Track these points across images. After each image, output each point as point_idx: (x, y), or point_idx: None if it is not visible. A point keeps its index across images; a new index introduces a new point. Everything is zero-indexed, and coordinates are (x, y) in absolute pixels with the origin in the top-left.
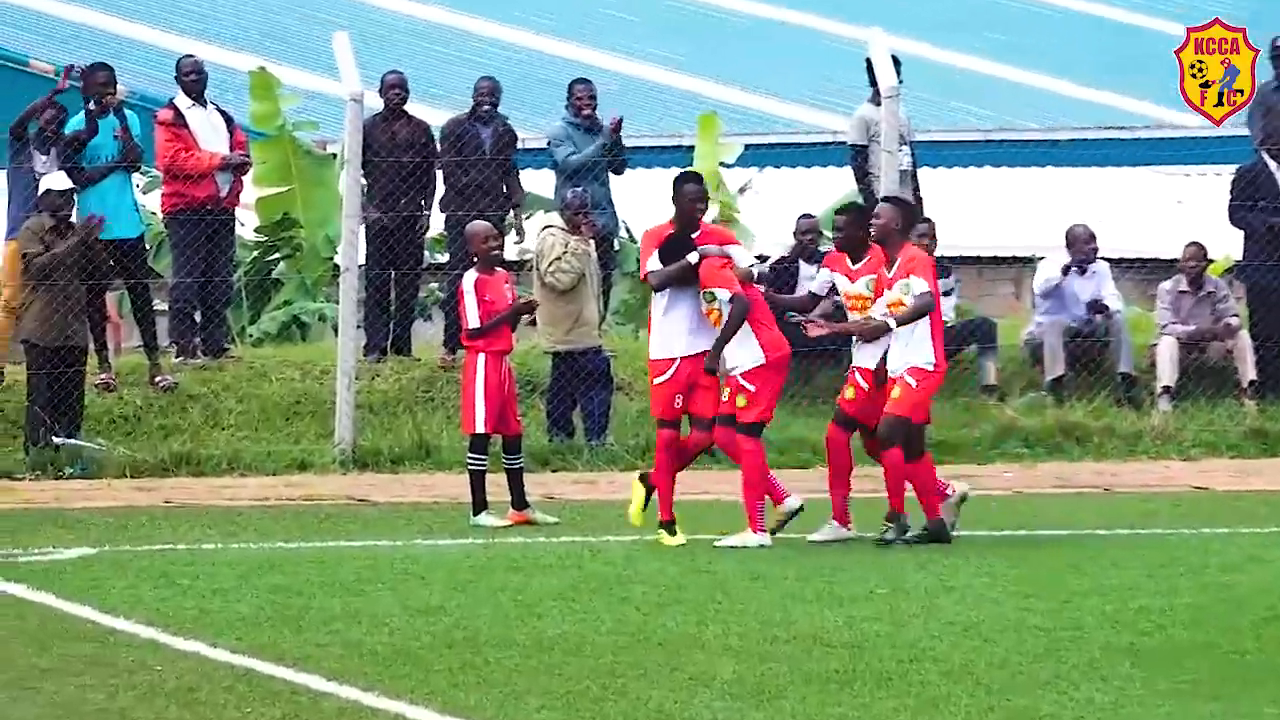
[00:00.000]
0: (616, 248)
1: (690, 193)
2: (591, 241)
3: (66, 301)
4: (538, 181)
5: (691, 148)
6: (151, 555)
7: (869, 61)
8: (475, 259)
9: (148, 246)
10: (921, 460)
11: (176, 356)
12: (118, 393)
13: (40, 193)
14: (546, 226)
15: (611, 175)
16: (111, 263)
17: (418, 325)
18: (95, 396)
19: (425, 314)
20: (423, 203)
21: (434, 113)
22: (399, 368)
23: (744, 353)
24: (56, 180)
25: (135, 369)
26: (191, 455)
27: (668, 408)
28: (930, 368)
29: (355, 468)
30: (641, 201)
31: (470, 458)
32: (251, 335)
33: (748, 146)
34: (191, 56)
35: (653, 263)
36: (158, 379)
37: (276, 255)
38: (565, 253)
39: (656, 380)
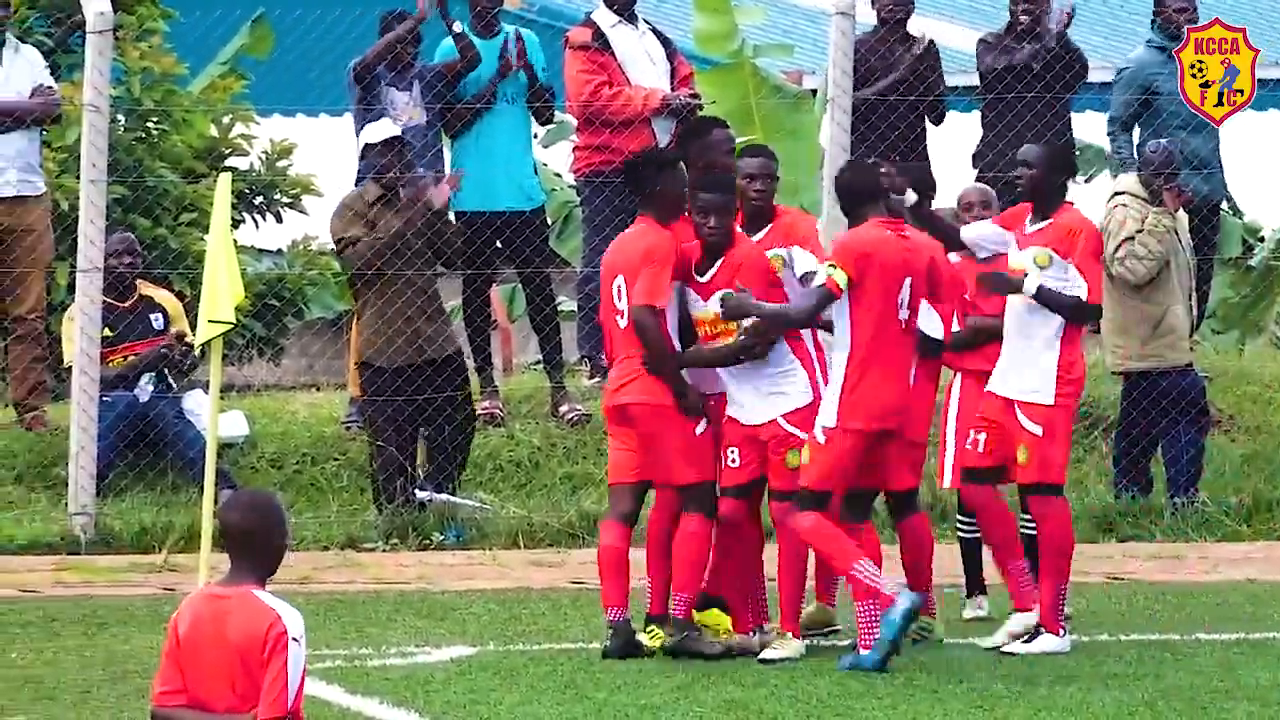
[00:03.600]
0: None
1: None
2: (1182, 215)
3: (418, 299)
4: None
5: None
6: (554, 658)
7: None
8: None
9: (549, 222)
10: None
11: (590, 377)
12: (506, 428)
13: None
14: (1117, 194)
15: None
16: (459, 244)
17: None
18: (476, 433)
19: None
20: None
21: (952, 30)
22: None
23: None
24: (375, 129)
25: (532, 394)
26: None
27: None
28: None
29: None
30: (1241, 156)
31: (961, 522)
32: None
33: None
34: None
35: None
36: (564, 409)
37: None
38: (1141, 230)
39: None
